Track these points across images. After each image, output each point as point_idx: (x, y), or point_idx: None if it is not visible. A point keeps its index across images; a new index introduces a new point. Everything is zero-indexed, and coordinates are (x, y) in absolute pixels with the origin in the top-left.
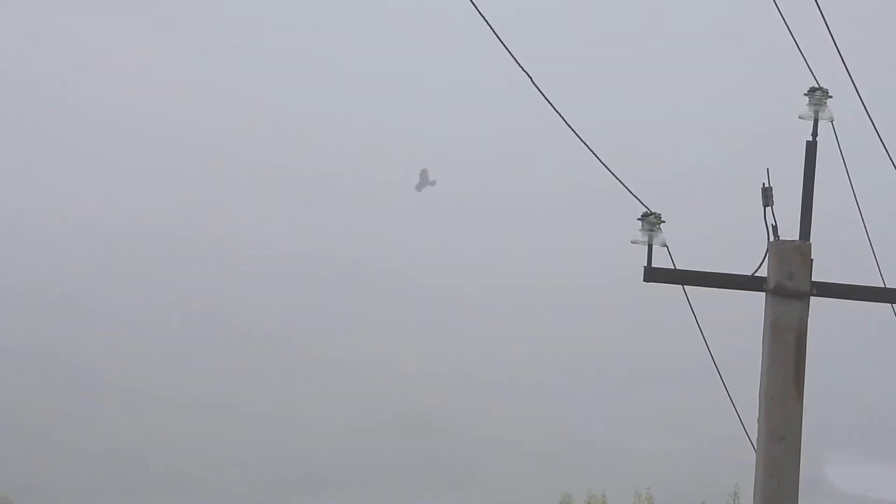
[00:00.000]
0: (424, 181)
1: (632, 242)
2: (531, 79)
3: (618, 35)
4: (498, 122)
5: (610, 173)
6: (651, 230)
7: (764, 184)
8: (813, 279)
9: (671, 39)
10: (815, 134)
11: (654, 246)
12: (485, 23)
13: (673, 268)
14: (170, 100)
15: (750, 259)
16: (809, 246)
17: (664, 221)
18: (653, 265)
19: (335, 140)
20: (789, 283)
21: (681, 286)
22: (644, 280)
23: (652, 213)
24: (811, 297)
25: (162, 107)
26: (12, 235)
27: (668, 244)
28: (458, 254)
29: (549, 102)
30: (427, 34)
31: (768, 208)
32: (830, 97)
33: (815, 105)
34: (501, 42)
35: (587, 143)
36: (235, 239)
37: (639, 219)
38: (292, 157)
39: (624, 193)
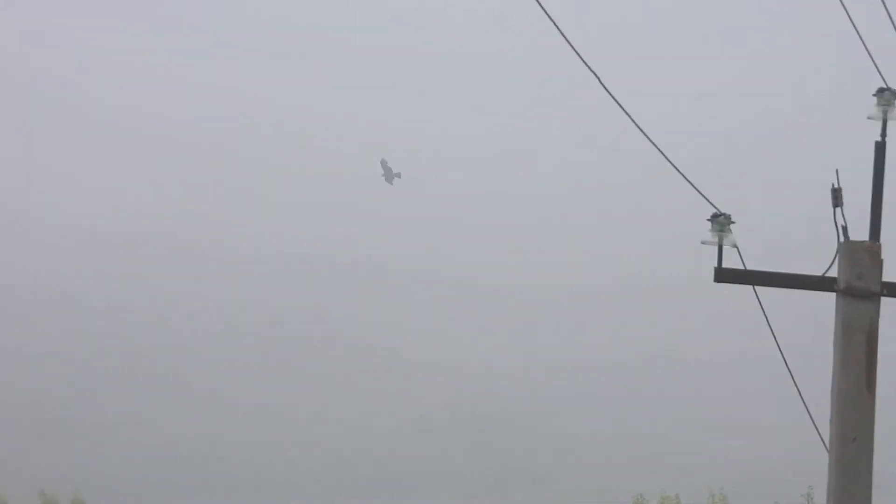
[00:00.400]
0: (389, 172)
1: (702, 243)
2: (599, 79)
3: (617, 35)
4: (498, 122)
5: (682, 175)
6: (721, 231)
7: (833, 184)
8: (883, 279)
9: (671, 39)
10: (884, 134)
11: (723, 247)
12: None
13: (743, 268)
14: (170, 100)
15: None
16: (879, 246)
17: (734, 222)
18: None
19: (335, 140)
20: (859, 284)
21: (751, 287)
22: (715, 280)
23: (722, 214)
24: (882, 298)
25: (162, 107)
26: (12, 235)
27: (737, 245)
28: (459, 253)
29: (618, 102)
30: (427, 34)
31: (838, 209)
32: None
33: (883, 105)
34: (567, 41)
35: (654, 142)
36: (235, 239)
37: (709, 219)
38: (292, 157)
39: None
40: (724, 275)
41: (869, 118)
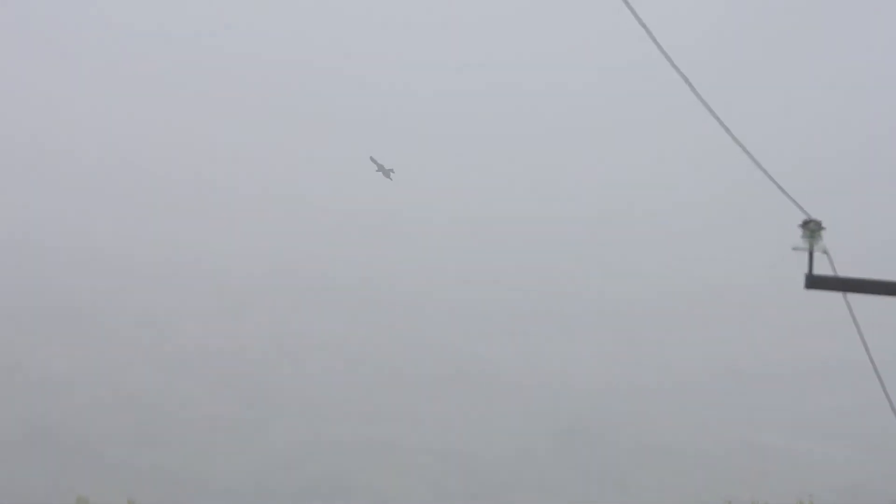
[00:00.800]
0: (384, 168)
1: (793, 250)
2: (690, 85)
3: (712, 42)
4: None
5: (774, 182)
6: (812, 237)
7: None
8: None
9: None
10: None
11: (814, 253)
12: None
13: (835, 275)
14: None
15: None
16: None
17: (825, 228)
18: (809, 272)
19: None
20: None
21: (841, 293)
22: (805, 287)
23: (812, 220)
24: None
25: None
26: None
27: (828, 251)
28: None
29: (710, 109)
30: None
31: None
32: None
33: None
34: (660, 48)
35: (748, 150)
36: (305, 270)
37: (800, 226)
38: (308, 190)
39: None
40: (815, 282)
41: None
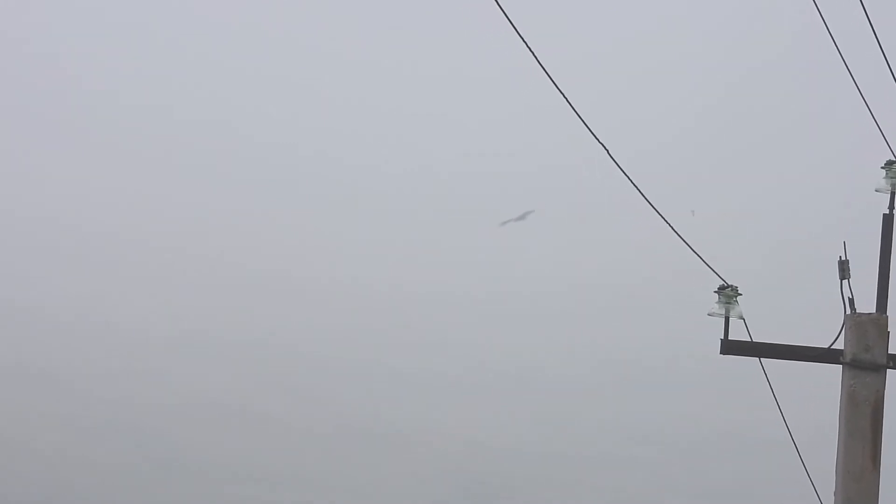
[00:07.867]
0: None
1: (708, 315)
2: (607, 150)
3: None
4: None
5: (689, 248)
6: (728, 303)
7: (840, 257)
8: (890, 352)
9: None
10: (892, 207)
11: (730, 319)
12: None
13: (749, 340)
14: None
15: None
16: (886, 318)
17: (741, 294)
18: (729, 338)
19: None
20: (866, 356)
21: (757, 359)
22: (721, 353)
23: (729, 286)
24: (888, 370)
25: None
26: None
27: (743, 317)
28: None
29: (627, 176)
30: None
31: (845, 281)
32: None
33: (892, 178)
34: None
35: (668, 221)
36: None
37: (715, 291)
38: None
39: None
40: (730, 347)
41: (877, 191)
